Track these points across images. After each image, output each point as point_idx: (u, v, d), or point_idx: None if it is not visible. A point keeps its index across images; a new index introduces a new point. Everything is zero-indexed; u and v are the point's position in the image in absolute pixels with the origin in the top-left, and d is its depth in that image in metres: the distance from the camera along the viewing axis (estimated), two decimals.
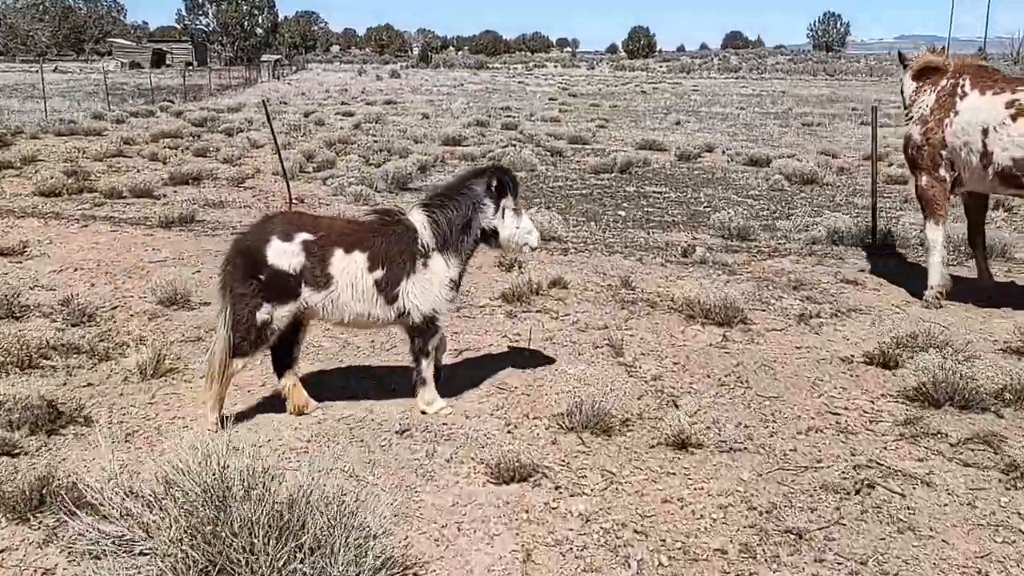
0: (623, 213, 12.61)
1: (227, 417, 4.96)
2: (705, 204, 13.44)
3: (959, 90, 7.83)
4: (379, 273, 5.04)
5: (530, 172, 16.51)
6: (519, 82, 56.63)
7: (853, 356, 6.62)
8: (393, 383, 5.89)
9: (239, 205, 12.87)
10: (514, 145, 20.04)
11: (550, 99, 40.23)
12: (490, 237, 5.37)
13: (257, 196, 13.72)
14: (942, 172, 7.94)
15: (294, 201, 12.41)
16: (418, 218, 5.19)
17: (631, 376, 6.18)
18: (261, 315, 4.96)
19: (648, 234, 11.14)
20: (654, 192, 14.60)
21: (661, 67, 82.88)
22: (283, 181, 13.25)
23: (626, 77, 67.42)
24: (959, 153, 7.72)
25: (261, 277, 4.93)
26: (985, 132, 7.48)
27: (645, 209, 12.99)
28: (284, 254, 4.93)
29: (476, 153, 18.63)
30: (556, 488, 4.53)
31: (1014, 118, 7.27)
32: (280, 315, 5.01)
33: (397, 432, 5.16)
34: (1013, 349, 6.68)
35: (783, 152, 19.42)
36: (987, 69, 8.11)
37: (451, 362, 6.24)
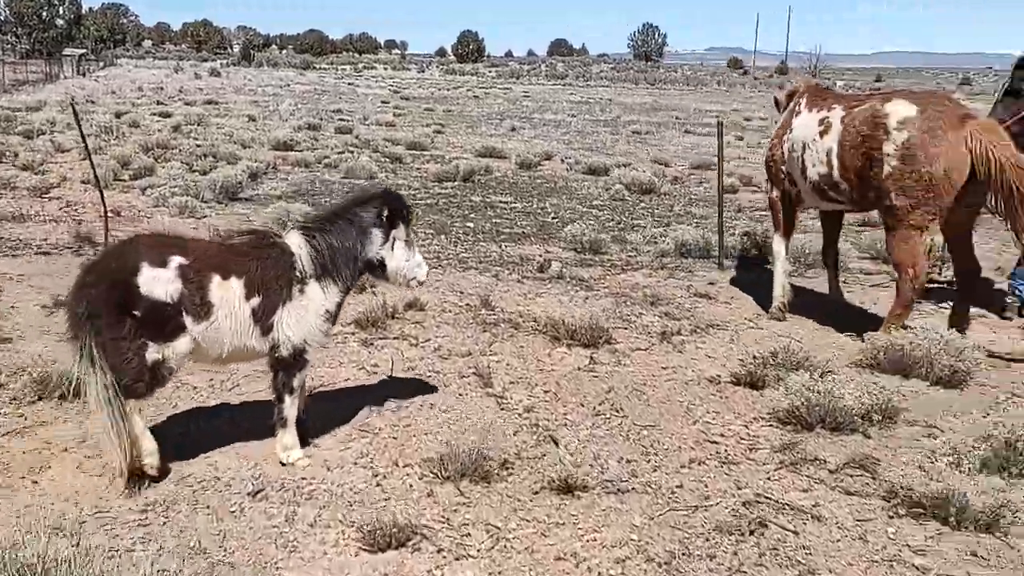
0: (472, 225, 12.26)
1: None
2: (552, 215, 13.32)
3: (796, 108, 8.02)
4: (256, 301, 4.53)
5: (370, 180, 15.86)
6: (349, 84, 55.24)
7: (720, 376, 6.56)
8: (240, 430, 5.21)
9: (44, 219, 11.47)
10: (351, 151, 19.28)
11: (383, 102, 39.40)
12: (376, 268, 4.95)
13: (65, 208, 12.30)
14: (786, 186, 8.10)
15: (110, 214, 11.18)
16: (295, 241, 4.70)
17: (503, 409, 5.80)
18: (151, 355, 4.32)
19: (501, 248, 10.83)
20: (501, 202, 14.35)
21: (491, 72, 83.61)
22: (95, 190, 11.92)
23: (457, 81, 67.49)
24: (794, 168, 7.91)
25: (136, 313, 4.24)
26: (804, 148, 7.67)
27: (494, 220, 12.69)
28: (159, 282, 4.28)
29: (311, 159, 17.74)
30: (439, 552, 4.06)
31: (822, 135, 7.47)
32: (175, 353, 4.39)
33: (249, 493, 4.51)
34: (865, 364, 6.83)
35: (619, 161, 19.74)
36: (822, 88, 8.36)
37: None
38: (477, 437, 5.13)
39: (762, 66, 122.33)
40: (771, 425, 5.63)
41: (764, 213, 14.11)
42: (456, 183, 16.18)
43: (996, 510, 4.28)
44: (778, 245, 8.41)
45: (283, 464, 4.80)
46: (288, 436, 4.83)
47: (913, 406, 5.96)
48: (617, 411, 5.83)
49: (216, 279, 4.41)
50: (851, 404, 5.49)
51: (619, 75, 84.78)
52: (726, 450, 5.25)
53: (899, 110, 6.90)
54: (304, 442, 4.99)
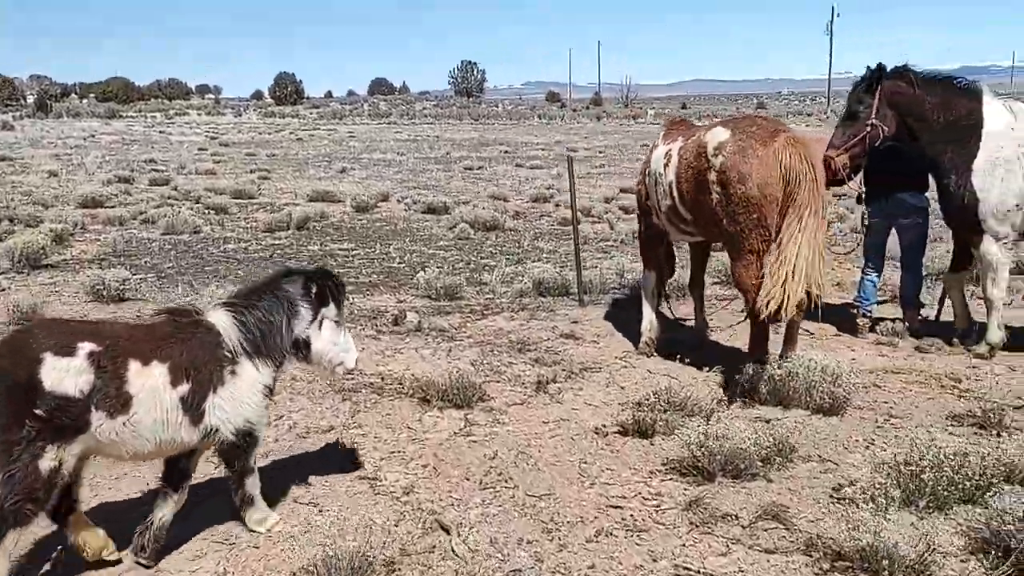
0: None
1: None
2: (399, 260, 12.69)
3: (655, 142, 7.88)
4: (184, 388, 4.06)
5: (194, 235, 14.64)
6: (160, 131, 52.06)
7: (605, 426, 6.16)
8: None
9: None
10: (170, 204, 17.83)
11: (199, 149, 37.23)
12: (299, 349, 4.54)
13: None
14: (652, 219, 7.91)
15: None
16: (221, 319, 4.29)
17: (379, 493, 5.11)
18: (47, 463, 3.67)
19: (349, 301, 10.06)
20: (341, 250, 13.56)
21: (311, 113, 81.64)
22: None
23: (278, 124, 65.29)
24: (652, 202, 7.74)
25: (38, 412, 3.62)
26: (656, 181, 7.55)
27: (336, 271, 11.86)
28: (67, 374, 3.69)
29: (125, 215, 16.18)
30: None
31: (665, 167, 7.37)
32: (70, 456, 3.79)
33: None
34: (744, 398, 6.65)
35: (457, 198, 19.42)
36: (679, 121, 8.29)
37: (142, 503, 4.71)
38: (355, 539, 4.42)
39: (578, 98, 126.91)
40: (671, 478, 5.25)
41: (611, 244, 14.14)
42: (290, 232, 15.24)
43: (923, 556, 4.05)
44: (645, 280, 8.21)
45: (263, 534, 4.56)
46: (258, 511, 4.58)
47: (802, 440, 5.79)
48: (506, 481, 5.27)
49: (135, 366, 3.91)
50: (748, 447, 5.20)
51: (443, 112, 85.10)
52: (632, 515, 4.80)
53: (715, 136, 6.82)
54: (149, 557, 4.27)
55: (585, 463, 5.53)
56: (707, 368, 7.45)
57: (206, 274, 11.55)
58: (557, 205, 18.91)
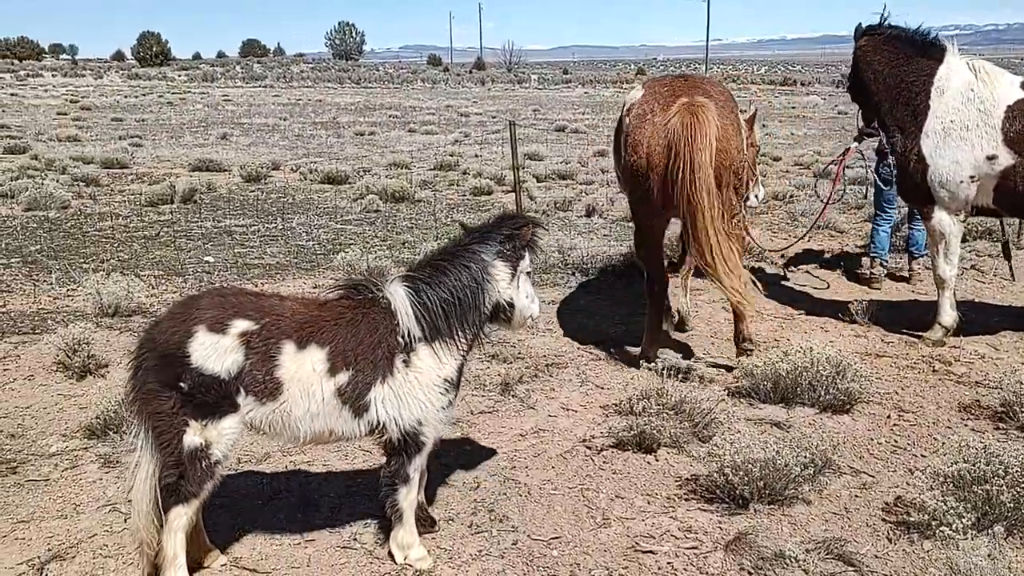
0: (212, 259, 9.98)
1: None
2: (306, 237, 11.35)
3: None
4: (343, 377, 3.60)
5: (63, 211, 12.81)
6: (12, 94, 47.50)
7: (594, 437, 5.28)
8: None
9: None
10: (30, 175, 15.70)
11: (59, 114, 33.92)
12: (501, 313, 3.93)
13: None
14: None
15: None
16: (399, 296, 3.69)
17: (345, 547, 4.04)
18: (190, 439, 3.48)
19: (257, 288, 8.76)
20: (238, 226, 12.06)
21: (180, 76, 76.74)
22: None
23: (144, 87, 60.81)
24: None
25: (182, 385, 3.45)
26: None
27: (237, 251, 10.47)
28: (215, 351, 3.46)
29: None
30: None
31: (617, 134, 6.71)
32: (220, 436, 3.51)
33: None
34: (743, 394, 5.90)
35: (355, 166, 18.04)
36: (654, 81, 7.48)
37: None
38: None
39: (459, 62, 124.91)
40: (698, 507, 4.40)
41: (534, 216, 13.20)
42: (175, 206, 13.58)
43: None
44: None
45: (399, 563, 3.86)
46: (406, 532, 3.89)
47: (823, 446, 5.04)
48: (501, 521, 4.30)
49: (289, 349, 3.54)
50: (790, 464, 4.39)
51: (322, 75, 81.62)
52: (669, 564, 3.91)
53: (631, 96, 6.24)
54: None
55: (588, 490, 4.61)
56: (684, 358, 6.67)
57: (82, 258, 9.94)
58: (465, 173, 17.81)
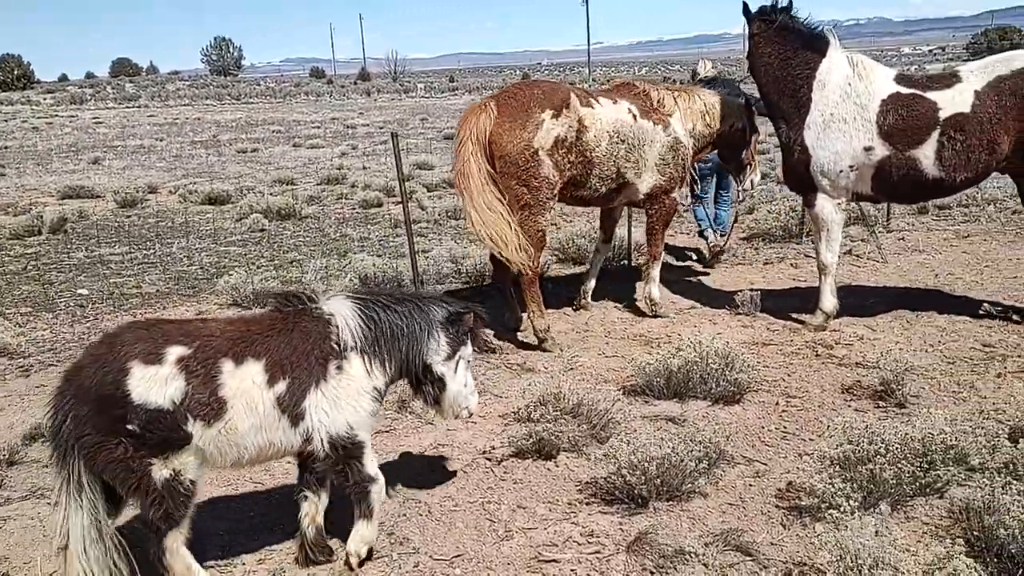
0: (86, 292, 9.46)
1: None
2: (188, 262, 10.91)
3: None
4: (281, 386, 3.63)
5: None
6: None
7: (494, 448, 5.23)
8: None
9: None
10: None
11: None
12: (430, 383, 4.03)
13: None
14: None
15: None
16: (341, 308, 3.83)
17: None
18: (159, 474, 3.41)
19: (135, 319, 8.35)
20: (114, 255, 11.47)
21: (46, 99, 72.94)
22: None
23: (6, 112, 57.65)
24: None
25: (130, 428, 3.33)
26: None
27: (113, 281, 9.95)
28: (155, 383, 3.37)
29: None
30: None
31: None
32: (185, 464, 3.47)
33: None
34: (638, 392, 5.96)
35: (238, 185, 17.50)
36: (625, 84, 8.13)
37: None
38: None
39: (343, 74, 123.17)
40: (598, 510, 4.40)
41: (425, 227, 13.09)
42: (44, 237, 12.84)
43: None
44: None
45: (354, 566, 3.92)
46: (371, 528, 3.95)
47: (716, 438, 5.14)
48: (401, 543, 4.19)
49: (228, 366, 3.53)
50: (685, 460, 4.44)
51: (199, 92, 79.01)
52: (573, 571, 3.89)
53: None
54: None
55: (490, 503, 4.55)
56: (577, 356, 6.72)
57: None
58: (353, 186, 17.52)
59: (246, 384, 3.52)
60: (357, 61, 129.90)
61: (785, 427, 5.38)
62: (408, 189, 16.62)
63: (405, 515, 4.45)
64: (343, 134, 32.14)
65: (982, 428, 4.76)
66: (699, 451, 4.59)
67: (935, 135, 6.78)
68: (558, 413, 5.38)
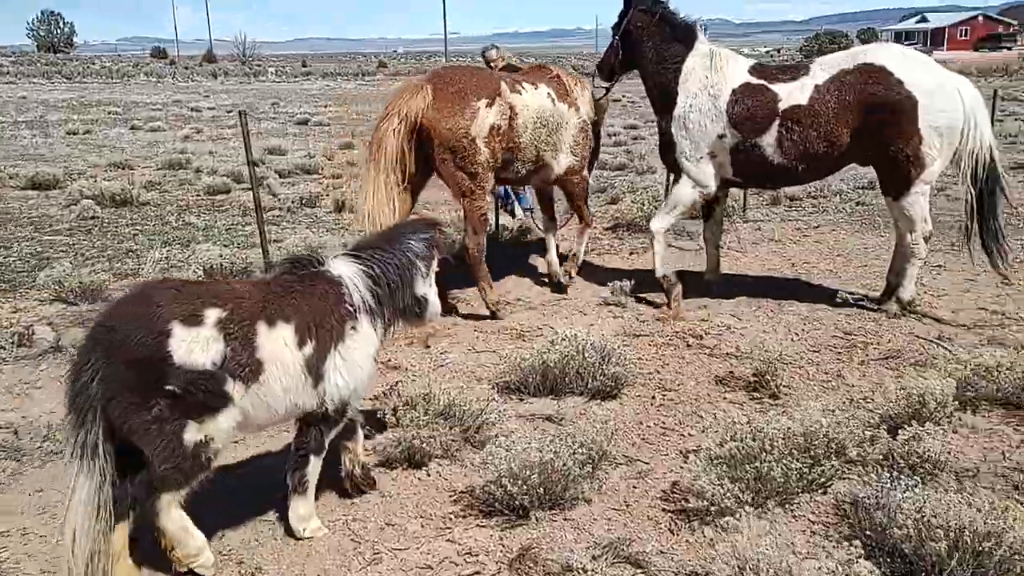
0: None
1: None
2: (6, 253, 9.72)
3: None
4: (309, 348, 3.63)
5: None
6: None
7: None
8: None
9: None
10: None
11: None
12: (415, 307, 4.17)
13: None
14: None
15: None
16: (347, 270, 3.85)
17: None
18: (190, 435, 3.33)
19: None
20: None
21: None
22: None
23: None
24: None
25: (170, 388, 3.23)
26: None
27: None
28: (197, 345, 3.29)
29: None
30: None
31: None
32: (220, 430, 3.42)
33: None
34: (511, 389, 5.64)
35: (67, 168, 16.00)
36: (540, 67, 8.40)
37: None
38: None
39: (187, 55, 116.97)
40: (478, 524, 4.03)
41: (279, 215, 12.32)
42: None
43: None
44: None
45: (298, 538, 3.86)
46: (306, 505, 3.92)
47: (596, 437, 4.88)
48: (253, 573, 3.67)
49: (262, 329, 3.50)
50: (568, 465, 4.13)
51: (25, 70, 72.95)
52: None
53: None
54: None
55: (355, 521, 4.10)
56: (446, 352, 6.34)
57: None
58: (198, 171, 16.37)
59: (279, 346, 3.54)
60: (202, 42, 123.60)
61: (664, 423, 5.19)
62: (259, 175, 15.76)
63: (257, 540, 3.93)
64: (187, 117, 30.29)
65: (855, 418, 4.73)
66: (582, 454, 4.31)
67: (775, 125, 6.98)
68: (428, 416, 4.97)
